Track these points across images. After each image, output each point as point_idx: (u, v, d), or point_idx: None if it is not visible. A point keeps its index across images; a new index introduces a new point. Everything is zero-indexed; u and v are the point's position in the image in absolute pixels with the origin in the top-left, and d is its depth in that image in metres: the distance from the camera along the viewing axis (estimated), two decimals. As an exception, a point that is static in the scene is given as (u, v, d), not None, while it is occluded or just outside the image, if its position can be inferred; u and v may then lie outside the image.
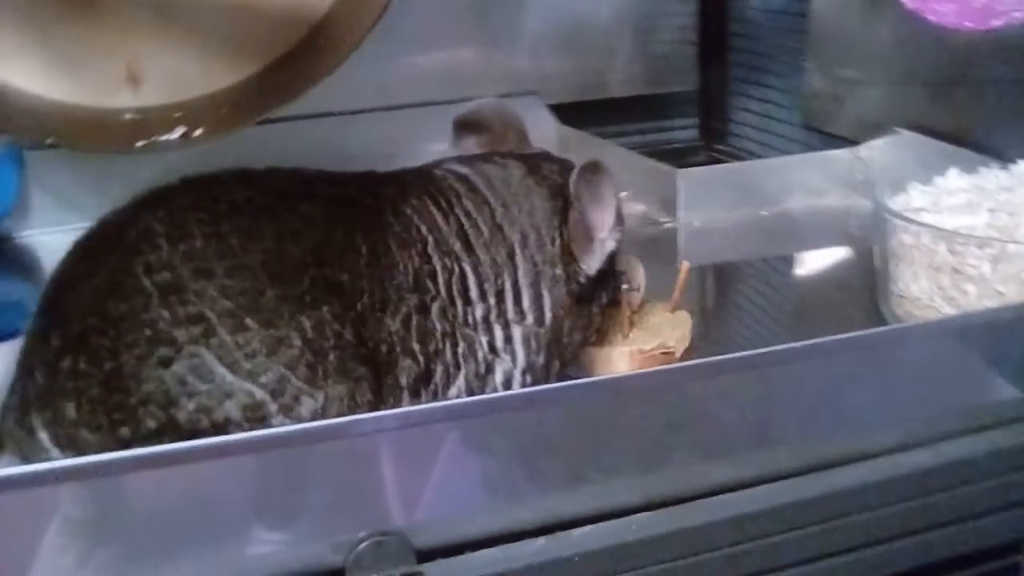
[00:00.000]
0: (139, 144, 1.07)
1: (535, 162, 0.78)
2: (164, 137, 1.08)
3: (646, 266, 1.08)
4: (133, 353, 0.60)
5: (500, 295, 0.71)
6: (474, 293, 0.70)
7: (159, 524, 0.58)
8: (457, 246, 0.71)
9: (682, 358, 0.84)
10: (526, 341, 0.72)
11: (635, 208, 1.21)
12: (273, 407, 0.61)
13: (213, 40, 1.20)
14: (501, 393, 0.70)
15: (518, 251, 0.73)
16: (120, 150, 1.11)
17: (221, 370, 0.60)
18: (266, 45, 1.20)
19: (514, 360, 0.72)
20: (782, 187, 1.17)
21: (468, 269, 0.70)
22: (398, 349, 0.66)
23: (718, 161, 1.42)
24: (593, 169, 0.73)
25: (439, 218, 0.71)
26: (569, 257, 0.74)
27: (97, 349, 0.61)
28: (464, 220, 0.72)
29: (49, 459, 0.62)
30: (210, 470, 0.58)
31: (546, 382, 0.74)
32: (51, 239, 1.22)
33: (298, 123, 1.30)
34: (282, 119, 1.26)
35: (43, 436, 0.62)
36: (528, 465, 0.64)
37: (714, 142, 1.45)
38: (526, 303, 0.72)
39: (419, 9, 1.32)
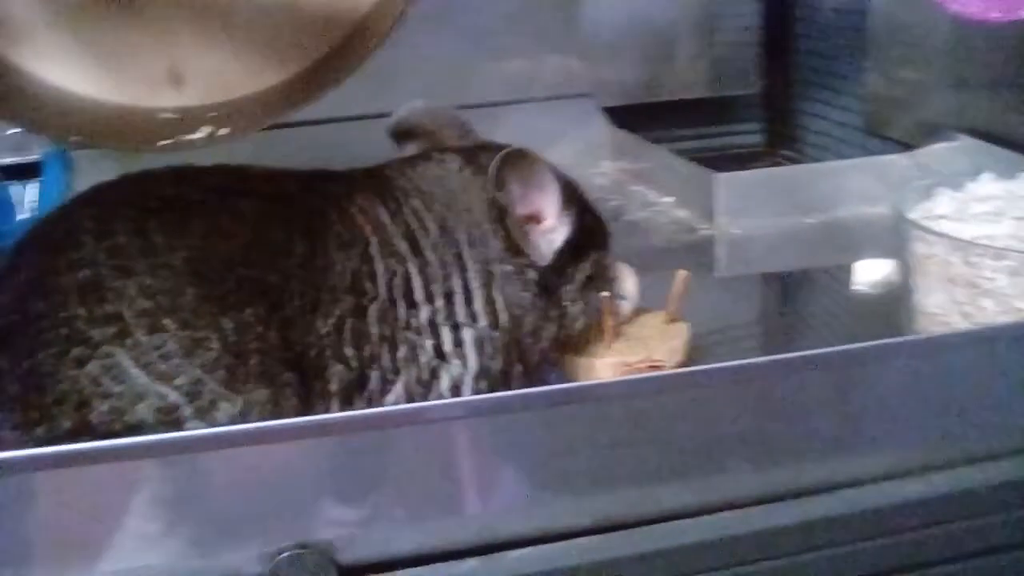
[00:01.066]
0: (161, 143, 1.06)
1: (473, 153, 0.74)
2: (188, 137, 1.07)
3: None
4: (50, 352, 0.59)
5: (449, 297, 0.68)
6: (419, 295, 0.67)
7: (70, 530, 0.57)
8: (403, 247, 0.68)
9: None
10: (479, 344, 0.68)
11: (677, 214, 1.17)
12: (188, 410, 0.59)
13: (256, 41, 1.19)
14: (430, 403, 0.66)
15: (465, 250, 0.69)
16: (143, 148, 1.10)
17: (135, 371, 0.58)
18: (307, 47, 1.19)
19: (465, 364, 0.68)
20: (832, 194, 1.11)
21: (414, 270, 0.67)
22: (328, 353, 0.63)
23: (781, 165, 1.36)
24: (518, 155, 0.69)
25: (386, 218, 0.68)
26: (516, 250, 0.70)
27: (17, 346, 0.60)
28: (412, 220, 0.69)
29: None
30: (118, 473, 0.56)
31: (506, 387, 0.70)
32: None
33: (342, 124, 1.28)
34: (323, 121, 1.25)
35: None
36: (463, 480, 0.61)
37: (780, 147, 1.39)
38: (478, 305, 0.69)
39: (470, 9, 1.30)
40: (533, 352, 0.72)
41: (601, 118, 1.32)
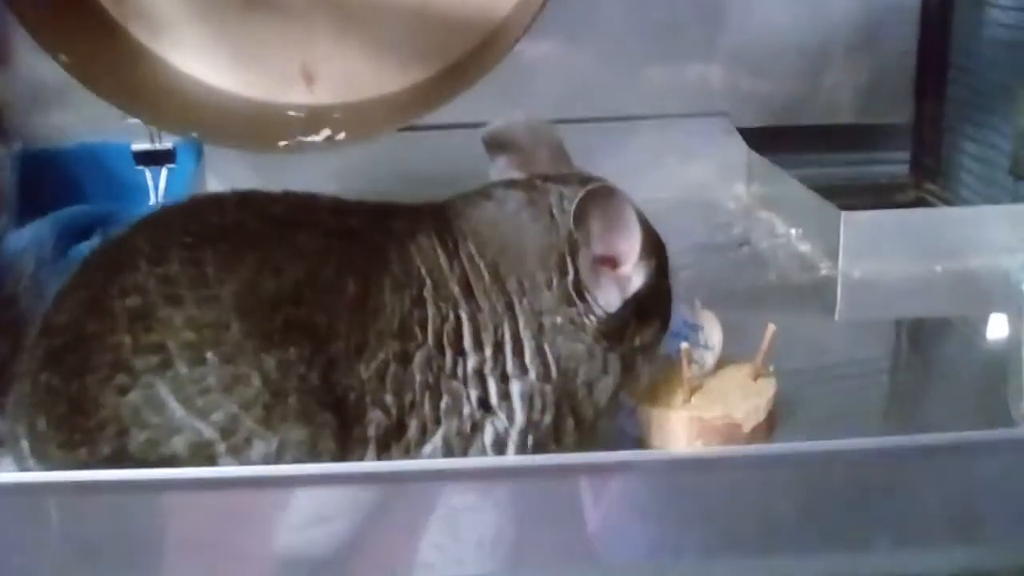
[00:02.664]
0: (283, 143, 1.07)
1: (541, 189, 0.70)
2: (308, 139, 1.08)
3: (795, 315, 1.00)
4: (96, 376, 0.59)
5: (498, 347, 0.66)
6: (468, 343, 0.65)
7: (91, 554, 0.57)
8: (456, 292, 0.66)
9: (752, 433, 0.76)
10: (526, 398, 0.66)
11: (801, 249, 1.12)
12: (222, 447, 0.58)
13: (388, 43, 1.19)
14: (446, 461, 0.63)
15: (515, 299, 0.67)
16: (263, 148, 1.11)
17: (173, 404, 0.58)
18: (440, 51, 1.19)
19: (511, 418, 0.66)
20: (964, 241, 1.04)
21: (465, 317, 0.65)
22: (368, 398, 0.62)
23: (925, 201, 1.29)
24: (604, 193, 0.66)
25: (443, 260, 0.66)
26: (582, 296, 0.68)
27: (69, 366, 0.61)
28: (467, 264, 0.67)
29: (26, 468, 0.62)
30: (143, 504, 0.57)
31: (557, 444, 0.67)
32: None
33: (476, 132, 1.27)
34: (455, 126, 1.24)
35: (24, 444, 0.62)
36: (492, 541, 0.59)
37: (925, 180, 1.32)
38: (528, 356, 0.66)
39: (609, 20, 1.27)
40: (587, 406, 0.69)
41: (737, 139, 1.28)
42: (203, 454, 0.58)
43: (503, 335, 0.66)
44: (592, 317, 0.68)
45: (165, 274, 0.61)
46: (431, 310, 0.64)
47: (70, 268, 0.82)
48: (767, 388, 0.78)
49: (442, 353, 0.64)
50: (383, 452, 0.62)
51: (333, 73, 1.19)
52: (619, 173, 1.24)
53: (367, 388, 0.62)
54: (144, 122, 1.11)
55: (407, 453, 0.63)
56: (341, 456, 0.61)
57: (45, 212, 1.16)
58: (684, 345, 0.74)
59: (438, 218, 0.69)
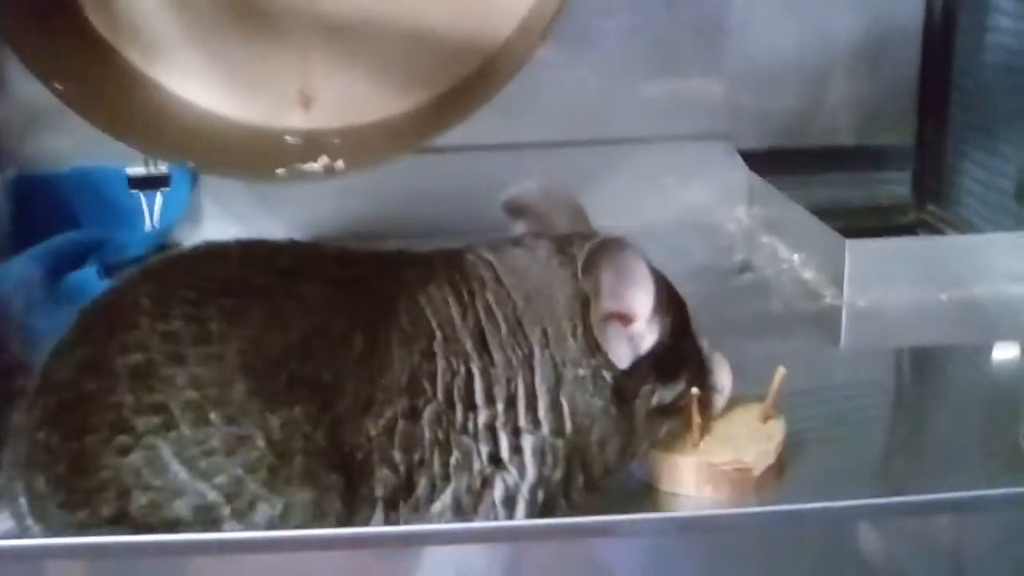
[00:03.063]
0: (279, 170, 1.05)
1: (566, 241, 0.69)
2: (305, 167, 1.06)
3: (799, 345, 0.99)
4: (97, 436, 0.58)
5: (511, 400, 0.64)
6: (479, 398, 0.64)
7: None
8: (469, 344, 0.64)
9: (762, 477, 0.75)
10: (538, 453, 0.65)
11: (804, 276, 1.11)
12: (226, 510, 0.57)
13: (387, 67, 1.18)
14: (458, 525, 0.62)
15: (537, 352, 0.65)
16: (259, 177, 1.10)
17: (176, 466, 0.57)
18: (440, 74, 1.18)
19: (522, 473, 0.64)
20: (970, 269, 1.04)
21: (476, 371, 0.64)
22: (375, 457, 0.60)
23: (927, 224, 1.28)
24: (616, 246, 0.64)
25: (455, 311, 0.65)
26: (595, 351, 0.66)
27: (68, 426, 0.59)
28: (483, 315, 0.65)
29: (25, 527, 0.61)
30: (145, 569, 0.55)
31: (566, 499, 0.66)
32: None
33: (477, 153, 1.26)
34: (457, 148, 1.23)
35: (22, 502, 0.61)
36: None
37: (927, 202, 1.31)
38: (542, 410, 0.65)
39: (610, 40, 1.26)
40: (598, 464, 0.67)
41: (738, 161, 1.27)
42: (207, 517, 0.57)
43: (516, 388, 0.64)
44: (608, 373, 0.66)
45: (167, 331, 0.59)
46: (441, 364, 0.63)
47: (63, 300, 0.81)
48: (777, 431, 0.76)
49: (452, 408, 0.62)
50: (391, 511, 0.61)
51: (331, 97, 1.18)
52: (619, 195, 1.25)
53: (375, 446, 0.60)
54: (138, 149, 1.10)
55: (416, 512, 0.61)
56: (348, 517, 0.59)
57: (39, 237, 1.15)
58: (694, 390, 0.72)
59: (452, 266, 0.67)
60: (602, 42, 1.25)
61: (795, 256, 1.14)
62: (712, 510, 0.69)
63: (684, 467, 0.74)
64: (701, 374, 0.72)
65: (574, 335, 0.66)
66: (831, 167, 1.30)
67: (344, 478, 0.59)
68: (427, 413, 0.62)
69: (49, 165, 1.22)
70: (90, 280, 1.07)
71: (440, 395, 0.62)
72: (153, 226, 1.23)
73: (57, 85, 1.02)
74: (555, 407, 0.65)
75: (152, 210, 1.24)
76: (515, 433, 0.64)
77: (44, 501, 0.59)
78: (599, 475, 0.67)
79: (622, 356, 0.66)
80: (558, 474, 0.65)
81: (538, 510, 0.65)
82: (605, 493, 0.70)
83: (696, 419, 0.73)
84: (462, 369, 0.63)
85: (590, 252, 0.64)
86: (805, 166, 1.29)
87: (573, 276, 0.66)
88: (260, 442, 0.58)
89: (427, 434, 0.61)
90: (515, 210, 0.73)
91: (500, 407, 0.63)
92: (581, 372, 0.65)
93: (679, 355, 0.70)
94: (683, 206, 1.26)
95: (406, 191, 1.24)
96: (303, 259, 0.65)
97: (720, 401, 0.76)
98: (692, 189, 1.27)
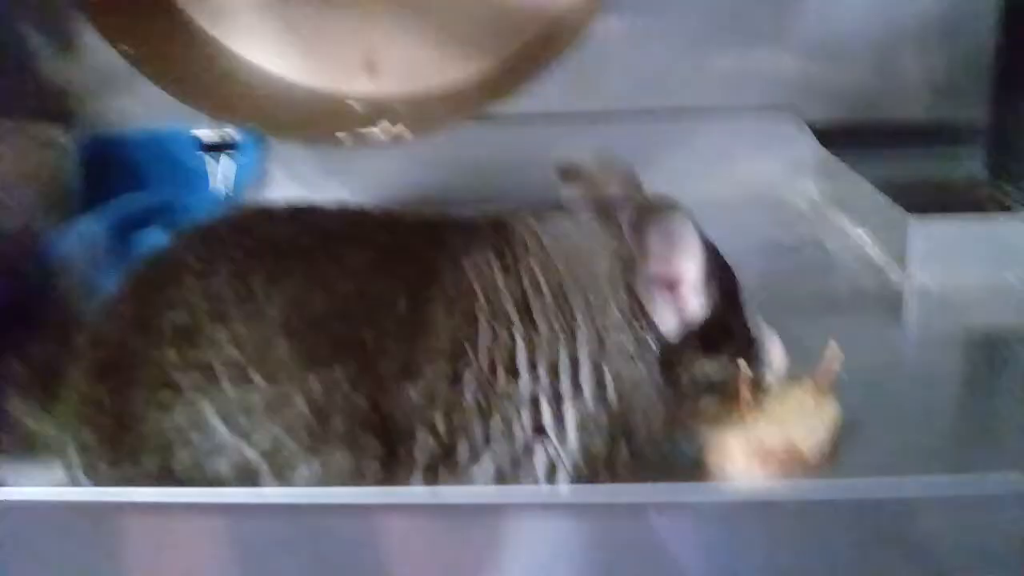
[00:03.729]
0: (342, 136, 1.06)
1: (610, 206, 0.69)
2: (367, 132, 1.06)
3: (860, 325, 0.98)
4: (141, 393, 0.59)
5: (553, 368, 0.64)
6: (521, 364, 0.63)
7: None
8: (511, 310, 0.64)
9: (813, 459, 0.73)
10: (581, 422, 0.64)
11: (869, 253, 1.09)
12: (264, 469, 0.58)
13: (450, 33, 1.18)
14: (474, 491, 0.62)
15: (579, 320, 0.65)
16: (320, 141, 1.10)
17: (216, 423, 0.58)
18: (502, 40, 1.17)
19: (563, 442, 0.64)
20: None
21: (519, 337, 0.63)
22: (416, 420, 0.61)
23: (1001, 203, 1.25)
24: (664, 209, 0.64)
25: (499, 278, 0.65)
26: (642, 319, 0.66)
27: (115, 381, 0.60)
28: (526, 281, 0.65)
29: (74, 478, 0.62)
30: (184, 526, 0.56)
31: (610, 470, 0.66)
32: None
33: (542, 122, 1.25)
34: (527, 116, 1.23)
35: (71, 453, 0.62)
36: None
37: (1002, 180, 1.28)
38: (584, 378, 0.64)
39: (675, 8, 1.24)
40: (642, 435, 0.67)
41: (807, 134, 1.24)
42: (246, 476, 0.58)
43: (559, 356, 0.64)
44: (653, 340, 0.66)
45: (211, 289, 0.60)
46: (483, 328, 0.63)
47: (127, 262, 0.82)
48: (830, 413, 0.75)
49: (494, 373, 0.62)
50: (430, 475, 0.61)
51: (396, 63, 1.18)
52: (684, 167, 1.23)
53: (415, 410, 0.60)
54: (204, 113, 1.10)
55: (454, 476, 0.61)
56: (386, 480, 0.59)
57: (107, 197, 1.16)
58: (742, 363, 0.71)
59: (498, 233, 0.67)
60: (669, 10, 1.23)
61: (861, 232, 1.12)
62: (753, 490, 0.67)
63: (733, 444, 0.73)
64: (750, 350, 0.70)
65: (617, 301, 0.65)
66: (902, 142, 1.26)
67: (383, 441, 0.59)
68: (467, 377, 0.62)
69: (119, 126, 1.23)
70: (155, 241, 1.08)
71: (482, 360, 0.62)
72: (220, 189, 1.24)
73: (125, 48, 1.03)
74: (598, 375, 0.64)
75: (220, 173, 1.25)
76: (557, 401, 0.63)
77: (91, 454, 0.61)
78: (643, 446, 0.67)
79: (668, 322, 0.66)
80: (600, 444, 0.65)
81: (579, 480, 0.64)
82: (652, 467, 0.70)
83: (745, 395, 0.72)
84: (504, 334, 0.63)
85: (638, 212, 0.63)
86: (875, 141, 1.26)
87: (616, 241, 0.66)
88: (300, 402, 0.58)
89: (468, 399, 0.61)
90: (568, 174, 0.73)
91: (542, 374, 0.63)
92: (624, 339, 0.65)
93: (727, 328, 0.69)
94: (749, 179, 1.25)
95: (470, 159, 1.24)
96: (349, 223, 0.65)
97: (771, 379, 0.75)
98: (759, 162, 1.25)
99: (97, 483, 0.61)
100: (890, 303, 1.01)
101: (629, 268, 0.65)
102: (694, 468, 0.73)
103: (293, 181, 1.25)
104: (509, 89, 1.11)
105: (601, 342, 0.65)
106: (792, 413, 0.75)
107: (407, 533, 0.56)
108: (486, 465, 0.62)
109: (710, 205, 1.19)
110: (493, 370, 0.62)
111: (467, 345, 0.62)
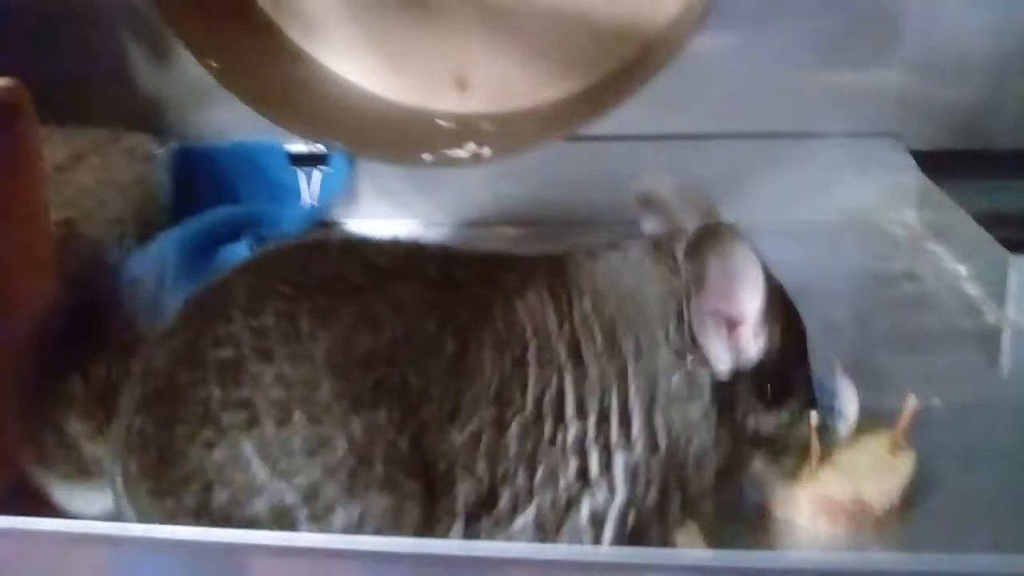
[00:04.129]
0: (426, 156, 1.05)
1: (664, 237, 0.66)
2: (452, 153, 1.05)
3: (952, 367, 0.93)
4: (185, 428, 0.58)
5: (604, 415, 0.61)
6: (570, 411, 0.61)
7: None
8: (563, 355, 0.61)
9: (883, 516, 0.70)
10: (631, 471, 0.61)
11: (967, 290, 1.04)
12: (303, 513, 0.56)
13: (543, 52, 1.17)
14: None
15: (631, 364, 0.62)
16: (404, 161, 1.10)
17: (257, 464, 0.57)
18: (597, 61, 1.15)
19: (612, 491, 0.61)
20: None
21: (569, 383, 0.61)
22: (459, 467, 0.59)
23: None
24: (724, 232, 0.60)
25: (552, 320, 0.62)
26: (695, 355, 0.62)
27: (160, 414, 0.60)
28: (579, 325, 0.62)
29: (120, 506, 0.62)
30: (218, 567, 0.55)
31: (660, 522, 0.63)
32: (375, 230, 1.24)
33: (635, 143, 1.23)
34: (616, 138, 1.21)
35: (118, 481, 0.62)
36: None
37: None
38: (636, 426, 0.61)
39: (772, 28, 1.20)
40: (696, 482, 0.64)
41: (908, 161, 1.20)
42: (284, 518, 0.57)
43: (610, 403, 0.61)
44: (707, 373, 0.62)
45: (258, 326, 0.59)
46: (533, 374, 0.61)
47: (209, 275, 0.81)
48: (905, 465, 0.72)
49: (542, 421, 0.60)
50: (472, 525, 0.59)
51: (486, 81, 1.17)
52: (779, 192, 1.20)
53: (458, 456, 0.59)
54: (291, 128, 1.10)
55: (497, 527, 0.59)
56: (427, 528, 0.58)
57: (197, 210, 1.17)
58: (813, 414, 0.68)
59: (554, 272, 0.65)
60: (766, 30, 1.19)
61: (960, 268, 1.07)
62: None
63: (799, 496, 0.70)
64: (813, 400, 0.67)
65: (667, 338, 0.62)
66: (1008, 171, 1.21)
67: (425, 487, 0.58)
68: (515, 425, 0.60)
69: (212, 138, 1.24)
70: (242, 255, 1.09)
71: (529, 407, 0.60)
72: (310, 203, 1.25)
73: (211, 62, 1.03)
74: (649, 422, 0.62)
75: (310, 187, 1.25)
76: (606, 450, 0.61)
77: (136, 485, 0.60)
78: (696, 496, 0.64)
79: (723, 358, 0.62)
80: (652, 495, 0.62)
81: (628, 533, 0.62)
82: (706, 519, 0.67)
83: (815, 445, 0.69)
84: (554, 380, 0.61)
85: (697, 235, 0.60)
86: (982, 170, 1.20)
87: (669, 272, 0.63)
88: (342, 445, 0.57)
89: (513, 447, 0.59)
90: (646, 202, 0.70)
91: (592, 421, 0.61)
92: (676, 379, 0.62)
93: (785, 380, 0.65)
94: (847, 206, 1.21)
95: (561, 178, 1.22)
96: (402, 258, 0.63)
97: (843, 429, 0.72)
98: (857, 189, 1.21)
99: (138, 513, 0.60)
100: (986, 342, 0.96)
101: (683, 300, 0.62)
102: (756, 520, 0.71)
103: (381, 196, 1.25)
104: (599, 111, 1.09)
105: (652, 386, 0.62)
106: (864, 465, 0.72)
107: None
108: (529, 515, 0.60)
109: (806, 231, 1.18)
110: (540, 417, 0.60)
111: (516, 391, 0.60)
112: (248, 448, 0.57)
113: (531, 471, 0.60)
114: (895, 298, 1.07)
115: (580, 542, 0.60)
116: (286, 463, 0.57)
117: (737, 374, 0.63)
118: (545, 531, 0.60)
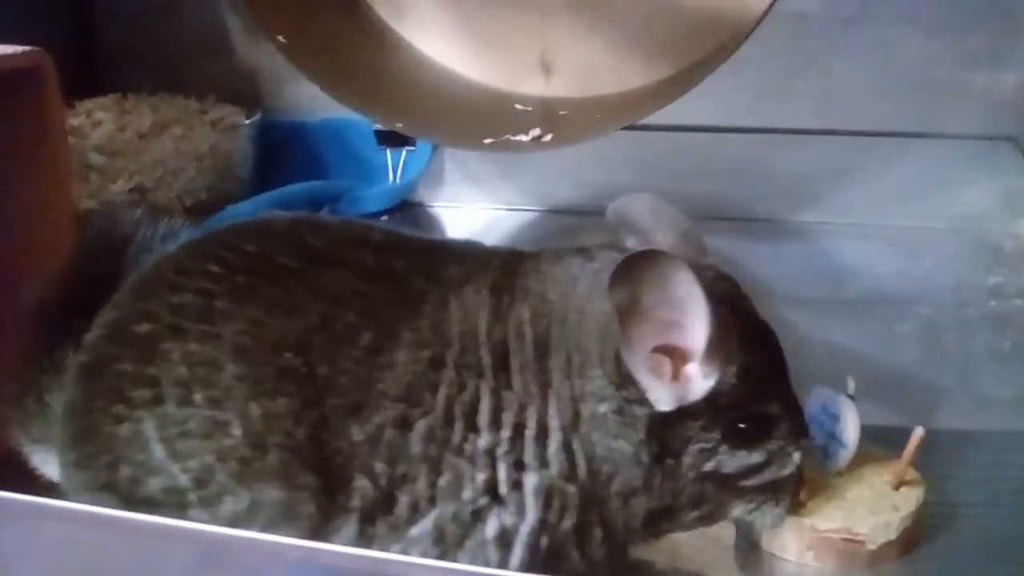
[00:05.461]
0: (487, 140, 1.02)
1: (622, 253, 0.58)
2: (515, 137, 1.02)
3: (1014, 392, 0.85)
4: (101, 402, 0.58)
5: (518, 430, 0.56)
6: (483, 420, 0.56)
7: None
8: (487, 360, 0.57)
9: (879, 552, 0.64)
10: (543, 495, 0.56)
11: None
12: (193, 497, 0.55)
13: (630, 37, 1.12)
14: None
15: (556, 381, 0.57)
16: (465, 143, 1.07)
17: (155, 444, 0.55)
18: (685, 48, 1.09)
19: (521, 514, 0.56)
20: None
21: (486, 390, 0.56)
22: (356, 464, 0.56)
23: None
24: (659, 260, 0.54)
25: (483, 321, 0.58)
26: (628, 383, 0.56)
27: (86, 387, 0.59)
28: (512, 330, 0.58)
29: (44, 474, 0.63)
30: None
31: (580, 551, 0.58)
32: (457, 213, 1.23)
33: (725, 135, 1.18)
34: (709, 128, 1.16)
35: (41, 449, 0.63)
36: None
37: None
38: (552, 448, 0.56)
39: (877, 22, 1.12)
40: (619, 520, 0.58)
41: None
42: (175, 501, 0.55)
43: (527, 419, 0.57)
44: (642, 411, 0.57)
45: (178, 303, 0.57)
46: (448, 375, 0.56)
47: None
48: (909, 500, 0.66)
49: (451, 425, 0.56)
50: (367, 526, 0.56)
51: (571, 65, 1.13)
52: (880, 194, 1.12)
53: (356, 452, 0.55)
54: (369, 108, 1.09)
55: (394, 532, 0.56)
56: (322, 523, 0.55)
57: (282, 183, 1.18)
58: (796, 454, 0.61)
59: (507, 270, 0.60)
60: (871, 23, 1.11)
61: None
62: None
63: (786, 528, 0.64)
64: (788, 446, 0.60)
65: (601, 362, 0.56)
66: None
67: (322, 481, 0.55)
68: (420, 426, 0.56)
69: (306, 114, 1.25)
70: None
71: (439, 409, 0.56)
72: (394, 182, 1.24)
73: (281, 38, 1.03)
74: (566, 448, 0.56)
75: (396, 166, 1.24)
76: (517, 467, 0.56)
77: (64, 456, 0.60)
78: (622, 534, 0.59)
79: (661, 397, 0.57)
80: (568, 523, 0.57)
81: (541, 557, 0.57)
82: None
83: (803, 473, 0.63)
84: (471, 385, 0.56)
85: (629, 261, 0.54)
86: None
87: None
88: (236, 431, 0.55)
89: (416, 448, 0.55)
90: (620, 221, 0.65)
91: (505, 435, 0.56)
92: (604, 408, 0.56)
93: (758, 417, 0.59)
94: (952, 213, 1.13)
95: (646, 167, 1.19)
96: (341, 243, 0.60)
97: (843, 457, 0.66)
98: (966, 194, 1.13)
99: (67, 483, 0.60)
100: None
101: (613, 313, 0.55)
102: (745, 553, 0.66)
103: (465, 181, 1.24)
104: (670, 99, 1.04)
105: (576, 410, 0.57)
106: (865, 497, 0.66)
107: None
108: (427, 523, 0.56)
109: (905, 237, 1.10)
110: (450, 422, 0.56)
111: (426, 391, 0.56)
112: (150, 426, 0.55)
113: (433, 477, 0.56)
114: (994, 311, 0.99)
115: (484, 560, 0.56)
116: (182, 444, 0.55)
117: (688, 411, 0.57)
118: (446, 543, 0.56)
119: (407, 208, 1.23)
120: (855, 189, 1.15)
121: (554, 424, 0.56)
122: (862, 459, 0.68)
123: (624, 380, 0.56)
